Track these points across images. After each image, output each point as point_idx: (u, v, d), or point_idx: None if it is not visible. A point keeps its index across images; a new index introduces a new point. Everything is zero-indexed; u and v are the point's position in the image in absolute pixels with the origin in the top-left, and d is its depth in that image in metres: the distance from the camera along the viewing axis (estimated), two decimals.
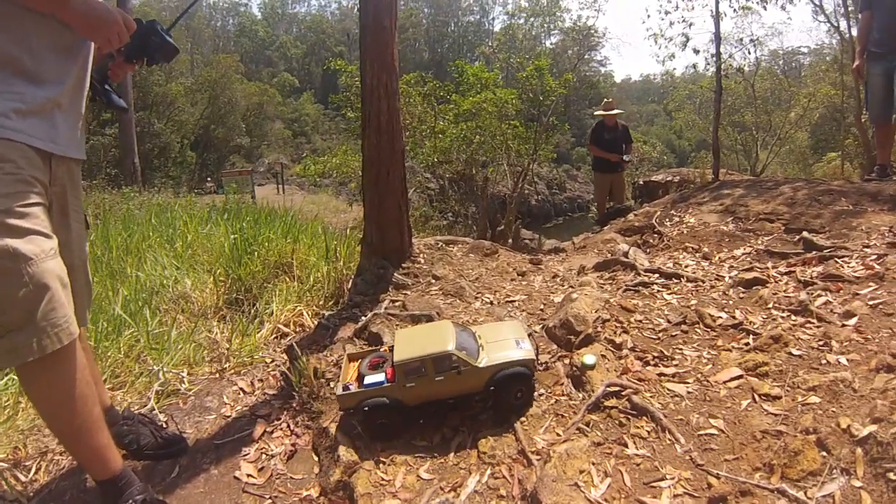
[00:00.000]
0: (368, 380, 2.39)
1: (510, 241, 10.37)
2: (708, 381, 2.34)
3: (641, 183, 9.74)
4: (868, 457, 1.72)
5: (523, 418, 2.33)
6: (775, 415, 2.04)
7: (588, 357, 2.51)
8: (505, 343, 2.48)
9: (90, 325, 3.10)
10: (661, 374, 2.44)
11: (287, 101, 54.65)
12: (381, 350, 2.70)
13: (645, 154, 21.10)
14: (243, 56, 59.45)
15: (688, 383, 2.35)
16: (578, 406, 2.33)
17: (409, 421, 2.42)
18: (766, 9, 12.25)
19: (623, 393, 2.31)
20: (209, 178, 29.39)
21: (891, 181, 4.97)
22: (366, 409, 2.33)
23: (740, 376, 2.30)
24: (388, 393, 2.33)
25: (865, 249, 3.35)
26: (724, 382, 2.30)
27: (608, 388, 2.32)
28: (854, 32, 12.59)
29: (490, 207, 11.96)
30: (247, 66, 56.96)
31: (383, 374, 2.40)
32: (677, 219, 5.25)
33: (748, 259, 3.78)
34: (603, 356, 2.57)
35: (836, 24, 15.00)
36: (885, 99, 5.30)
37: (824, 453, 1.79)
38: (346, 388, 2.38)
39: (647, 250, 4.75)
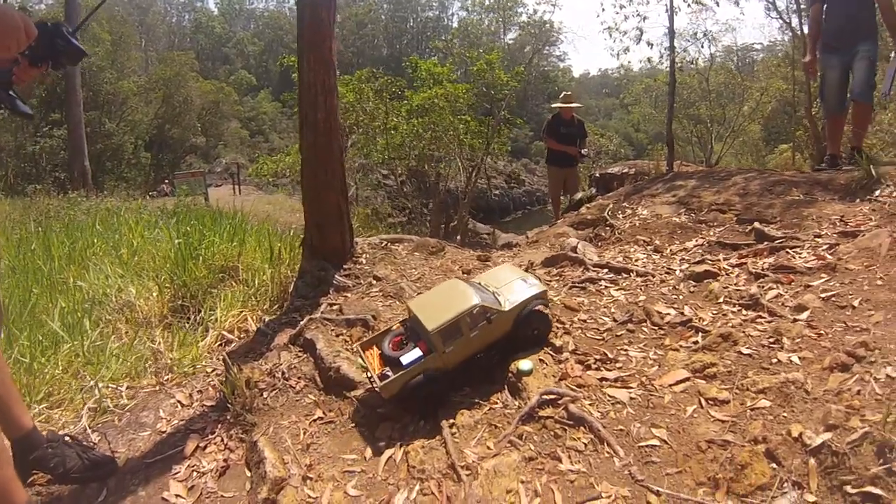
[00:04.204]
0: (406, 359, 2.32)
1: (458, 237, 10.19)
2: (652, 384, 2.18)
3: (597, 175, 9.60)
4: (822, 468, 1.57)
5: (454, 429, 2.19)
6: (722, 421, 1.89)
7: (524, 363, 2.35)
8: (513, 284, 2.55)
9: (25, 340, 3.18)
10: (602, 379, 2.27)
11: (244, 100, 53.68)
12: (393, 328, 2.62)
13: (602, 146, 21.24)
14: (199, 53, 58.26)
15: (631, 388, 2.19)
16: (513, 415, 2.17)
17: (452, 382, 2.41)
18: (718, 4, 12.36)
19: (560, 401, 2.14)
20: (166, 180, 28.52)
21: (841, 171, 4.93)
22: (410, 389, 2.29)
23: (687, 379, 2.15)
24: (431, 364, 2.31)
25: (817, 239, 3.27)
26: (670, 386, 2.14)
27: (544, 397, 2.16)
28: (806, 29, 12.74)
29: (444, 203, 11.78)
30: (203, 64, 55.88)
31: (417, 350, 2.34)
32: (630, 211, 5.13)
33: (700, 251, 3.67)
34: (542, 360, 2.41)
35: (787, 21, 15.16)
36: (839, 91, 5.29)
37: (774, 465, 1.64)
38: (383, 376, 2.31)
39: (599, 244, 4.62)
